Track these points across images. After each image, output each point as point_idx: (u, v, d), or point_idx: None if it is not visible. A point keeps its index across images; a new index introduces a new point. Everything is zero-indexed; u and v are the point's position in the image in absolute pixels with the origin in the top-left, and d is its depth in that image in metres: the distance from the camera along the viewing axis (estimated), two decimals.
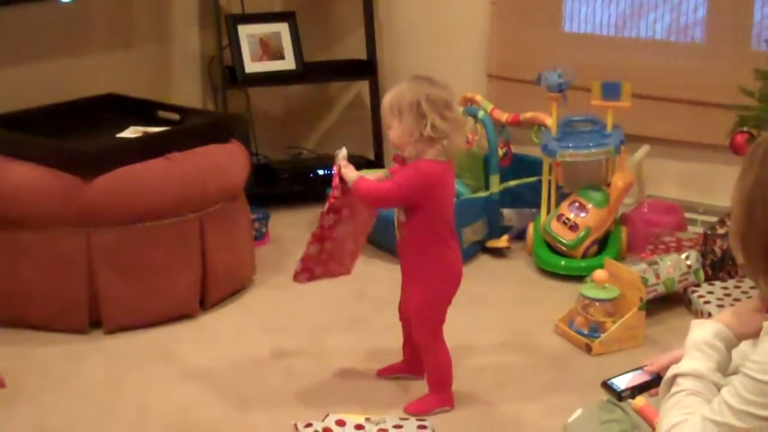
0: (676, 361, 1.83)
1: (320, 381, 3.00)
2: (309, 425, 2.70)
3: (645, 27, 4.11)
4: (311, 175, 4.54)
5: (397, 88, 2.75)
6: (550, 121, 3.86)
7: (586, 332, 3.19)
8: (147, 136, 3.50)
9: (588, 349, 3.15)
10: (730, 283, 3.46)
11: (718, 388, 1.71)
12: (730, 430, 1.64)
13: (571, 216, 3.77)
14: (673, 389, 1.75)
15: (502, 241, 3.94)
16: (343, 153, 2.81)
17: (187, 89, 4.54)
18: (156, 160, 3.32)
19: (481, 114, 3.94)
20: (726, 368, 1.78)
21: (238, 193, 3.60)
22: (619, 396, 1.90)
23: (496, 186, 3.95)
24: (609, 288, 3.22)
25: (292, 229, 4.20)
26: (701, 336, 1.77)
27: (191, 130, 3.59)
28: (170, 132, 3.55)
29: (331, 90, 5.01)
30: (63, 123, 3.61)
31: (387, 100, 2.74)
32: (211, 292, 3.48)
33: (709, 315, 3.24)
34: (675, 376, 1.76)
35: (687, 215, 4.04)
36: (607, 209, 3.77)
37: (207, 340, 3.28)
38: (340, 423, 2.70)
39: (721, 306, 3.28)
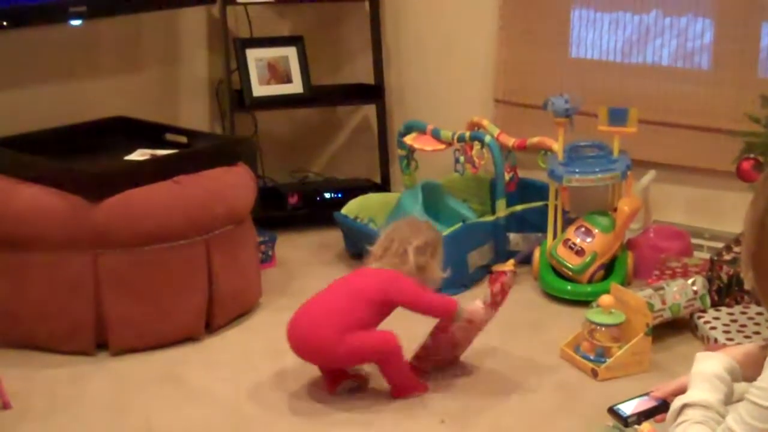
0: (683, 387, 1.84)
1: (325, 404, 3.00)
2: None
3: (651, 53, 4.12)
4: (318, 198, 4.54)
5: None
6: (557, 146, 3.86)
7: (592, 357, 3.19)
8: (155, 159, 3.51)
9: (594, 375, 3.14)
10: (737, 309, 3.46)
11: (723, 418, 1.71)
12: None
13: (578, 241, 3.77)
14: (680, 418, 1.75)
15: (508, 266, 3.93)
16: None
17: (194, 112, 4.56)
18: (163, 182, 3.33)
19: (487, 138, 3.95)
20: (730, 399, 1.79)
21: (245, 216, 3.61)
22: (625, 422, 1.90)
23: (502, 210, 3.96)
24: (615, 313, 3.21)
25: (299, 252, 4.21)
26: (713, 369, 1.78)
27: (199, 153, 3.61)
28: (178, 155, 3.56)
29: (339, 114, 5.02)
30: (71, 145, 3.62)
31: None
32: (217, 315, 3.48)
33: (716, 341, 3.24)
34: (684, 406, 1.76)
35: (693, 241, 4.03)
36: (614, 234, 3.77)
37: (212, 363, 3.28)
38: None
39: (727, 332, 3.28)
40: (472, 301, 3.11)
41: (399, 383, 3.02)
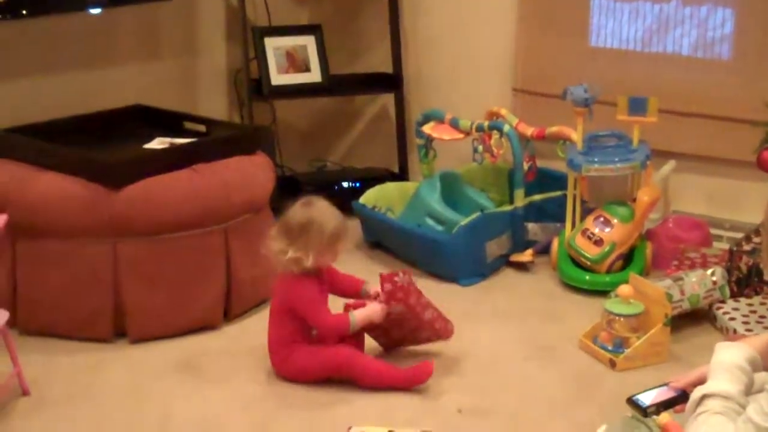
0: (702, 377, 1.83)
1: (343, 394, 3.00)
2: None
3: (671, 42, 4.10)
4: (336, 187, 4.54)
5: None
6: (576, 136, 3.85)
7: (610, 348, 3.18)
8: (173, 148, 3.52)
9: (612, 365, 3.14)
10: (756, 299, 3.44)
11: (744, 408, 1.71)
12: None
13: (596, 231, 3.75)
14: (700, 409, 1.74)
15: (527, 255, 3.93)
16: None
17: (213, 101, 4.56)
18: (182, 171, 3.34)
19: (506, 128, 3.94)
20: (750, 390, 1.78)
21: (263, 205, 3.61)
22: (644, 412, 1.89)
23: (520, 200, 3.95)
24: (634, 303, 3.20)
25: None
26: (733, 359, 1.77)
27: (217, 142, 3.61)
28: (196, 143, 3.57)
29: (357, 103, 5.02)
30: (90, 133, 3.64)
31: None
32: (235, 304, 3.49)
33: (735, 332, 3.23)
34: (703, 396, 1.75)
35: (712, 231, 4.01)
36: (633, 224, 3.76)
37: (230, 352, 3.29)
38: None
39: (746, 323, 3.27)
40: (365, 308, 3.07)
41: (387, 382, 3.00)
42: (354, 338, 3.11)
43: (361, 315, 3.04)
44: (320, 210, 3.03)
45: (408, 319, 3.10)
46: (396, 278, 3.03)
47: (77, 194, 3.22)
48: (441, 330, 3.16)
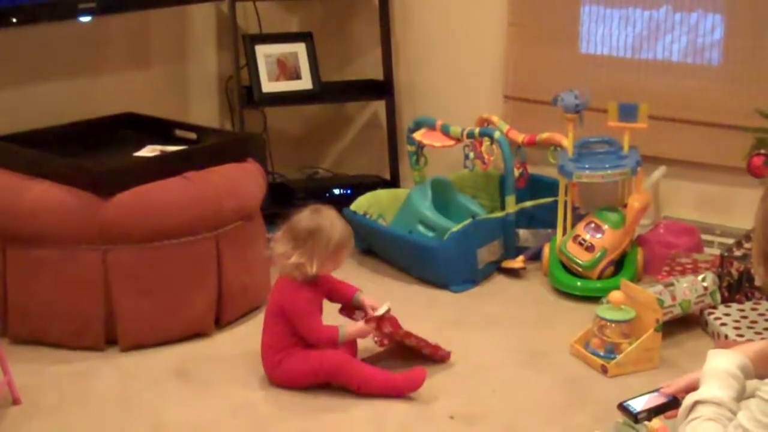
0: (693, 383, 1.83)
1: (335, 401, 3.00)
2: None
3: (662, 48, 4.10)
4: (327, 194, 4.54)
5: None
6: (567, 142, 3.85)
7: (602, 354, 3.18)
8: (164, 155, 3.51)
9: (604, 371, 3.14)
10: (747, 305, 3.45)
11: (735, 415, 1.71)
12: None
13: (587, 237, 3.76)
14: (692, 415, 1.74)
15: (518, 262, 3.94)
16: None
17: (204, 108, 4.56)
18: (173, 179, 3.34)
19: (497, 134, 3.94)
20: (742, 396, 1.78)
21: (254, 212, 3.61)
22: (635, 418, 1.89)
23: (512, 206, 3.95)
24: (625, 309, 3.21)
25: None
26: (725, 366, 1.78)
27: (208, 149, 3.61)
28: (187, 151, 3.56)
29: (348, 110, 5.02)
30: (81, 142, 3.63)
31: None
32: (226, 311, 3.48)
33: (726, 337, 3.23)
34: (695, 403, 1.75)
35: (703, 237, 4.02)
36: (624, 230, 3.76)
37: (221, 359, 3.28)
38: None
39: (737, 328, 3.27)
40: (356, 325, 3.12)
41: (379, 388, 3.01)
42: (346, 343, 3.11)
43: (351, 330, 3.07)
44: (328, 218, 3.06)
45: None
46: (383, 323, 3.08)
47: (68, 202, 3.22)
48: (430, 355, 3.20)
